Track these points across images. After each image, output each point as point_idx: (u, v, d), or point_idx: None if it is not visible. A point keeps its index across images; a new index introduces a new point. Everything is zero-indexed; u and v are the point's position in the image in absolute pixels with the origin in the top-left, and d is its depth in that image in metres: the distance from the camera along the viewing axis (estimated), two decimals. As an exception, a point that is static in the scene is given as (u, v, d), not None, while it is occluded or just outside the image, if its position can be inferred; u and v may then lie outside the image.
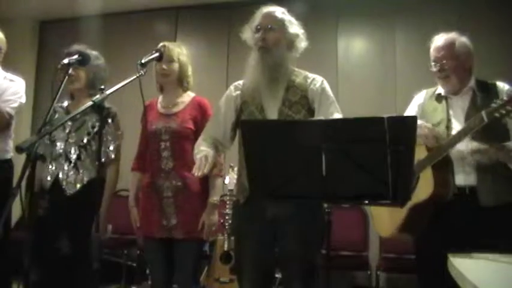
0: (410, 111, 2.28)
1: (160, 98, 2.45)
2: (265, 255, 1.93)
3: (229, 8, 4.75)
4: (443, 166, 2.03)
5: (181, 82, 2.39)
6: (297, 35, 2.00)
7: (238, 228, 2.08)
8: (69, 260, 2.26)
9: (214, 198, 2.31)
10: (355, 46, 4.56)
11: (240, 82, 2.10)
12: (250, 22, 2.04)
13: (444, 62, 2.12)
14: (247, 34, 2.04)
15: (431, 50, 2.20)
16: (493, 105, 1.85)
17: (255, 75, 1.98)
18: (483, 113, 1.87)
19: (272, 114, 1.95)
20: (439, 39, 2.18)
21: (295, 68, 2.06)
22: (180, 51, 2.39)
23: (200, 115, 2.34)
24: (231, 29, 4.70)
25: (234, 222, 2.10)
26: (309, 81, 2.01)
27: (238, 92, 2.07)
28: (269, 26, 1.96)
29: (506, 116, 1.82)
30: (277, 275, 2.18)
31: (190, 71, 2.43)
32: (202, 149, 1.97)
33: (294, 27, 2.00)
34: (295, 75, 2.03)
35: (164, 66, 2.33)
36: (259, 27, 1.98)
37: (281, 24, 1.98)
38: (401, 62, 4.26)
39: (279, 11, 2.01)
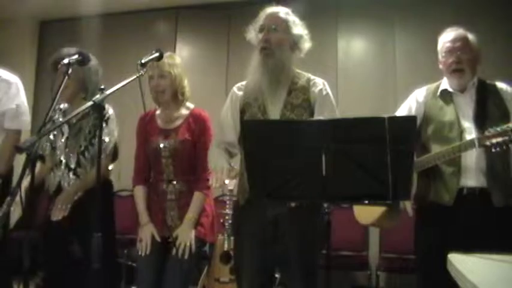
0: (404, 109, 2.27)
1: (158, 111, 2.41)
2: (265, 255, 1.92)
3: (229, 8, 4.75)
4: (427, 173, 2.08)
5: (175, 96, 2.31)
6: (300, 36, 1.98)
7: (238, 229, 2.07)
8: (80, 264, 2.24)
9: (193, 215, 2.23)
10: (355, 46, 4.56)
11: (243, 83, 2.08)
12: (254, 22, 2.02)
13: (459, 53, 2.10)
14: (251, 34, 2.02)
15: (443, 42, 2.17)
16: (486, 133, 1.86)
17: (257, 76, 1.96)
18: (475, 140, 1.90)
19: (274, 116, 1.94)
20: (451, 32, 2.16)
21: (298, 70, 2.04)
22: (172, 63, 2.29)
23: (198, 127, 2.31)
24: (231, 29, 4.71)
25: (234, 223, 2.09)
26: (311, 83, 2.00)
27: (241, 93, 2.06)
28: (273, 27, 1.94)
29: (498, 147, 1.82)
30: (276, 275, 2.17)
31: (185, 81, 2.35)
32: (218, 160, 1.93)
33: (298, 28, 1.98)
34: (297, 77, 2.01)
35: (157, 82, 2.27)
36: (262, 27, 1.97)
37: (285, 25, 1.96)
38: (401, 62, 4.26)
39: (283, 12, 1.99)
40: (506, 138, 1.79)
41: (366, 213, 2.32)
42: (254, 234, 1.93)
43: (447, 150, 1.99)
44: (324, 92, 1.98)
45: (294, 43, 1.97)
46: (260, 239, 1.91)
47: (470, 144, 1.92)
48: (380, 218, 2.20)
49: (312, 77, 2.03)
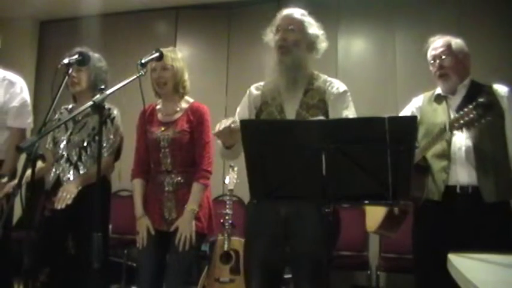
0: (405, 113, 2.32)
1: (159, 105, 2.44)
2: (274, 255, 1.91)
3: (229, 8, 4.75)
4: (420, 171, 2.10)
5: (177, 89, 2.36)
6: (317, 36, 2.00)
7: (248, 228, 2.06)
8: (73, 260, 2.26)
9: (193, 206, 2.24)
10: (355, 46, 4.56)
11: (261, 83, 2.10)
12: (271, 25, 2.04)
13: (444, 58, 2.17)
14: (269, 36, 2.04)
15: (429, 50, 2.24)
16: (456, 116, 1.87)
17: (275, 76, 1.99)
18: (446, 124, 1.91)
19: (290, 115, 1.95)
20: (436, 41, 2.24)
21: (315, 71, 2.05)
22: (174, 57, 2.35)
23: (196, 119, 2.34)
24: (231, 29, 4.70)
25: (245, 222, 2.08)
26: (327, 84, 2.01)
27: (258, 92, 2.07)
28: (289, 27, 1.97)
29: (468, 126, 1.82)
30: (287, 276, 2.16)
31: (186, 75, 2.40)
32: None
33: (314, 28, 2.01)
34: (314, 78, 2.03)
35: (159, 74, 2.31)
36: (279, 28, 1.99)
37: (301, 25, 1.98)
38: (401, 62, 4.26)
39: (299, 13, 2.02)
40: (471, 116, 1.79)
41: (371, 221, 2.36)
42: (264, 234, 1.92)
43: (428, 142, 2.05)
44: (341, 90, 1.99)
45: (311, 43, 1.99)
46: (270, 239, 1.91)
47: (443, 130, 1.95)
48: (380, 228, 2.25)
49: (329, 78, 2.05)
